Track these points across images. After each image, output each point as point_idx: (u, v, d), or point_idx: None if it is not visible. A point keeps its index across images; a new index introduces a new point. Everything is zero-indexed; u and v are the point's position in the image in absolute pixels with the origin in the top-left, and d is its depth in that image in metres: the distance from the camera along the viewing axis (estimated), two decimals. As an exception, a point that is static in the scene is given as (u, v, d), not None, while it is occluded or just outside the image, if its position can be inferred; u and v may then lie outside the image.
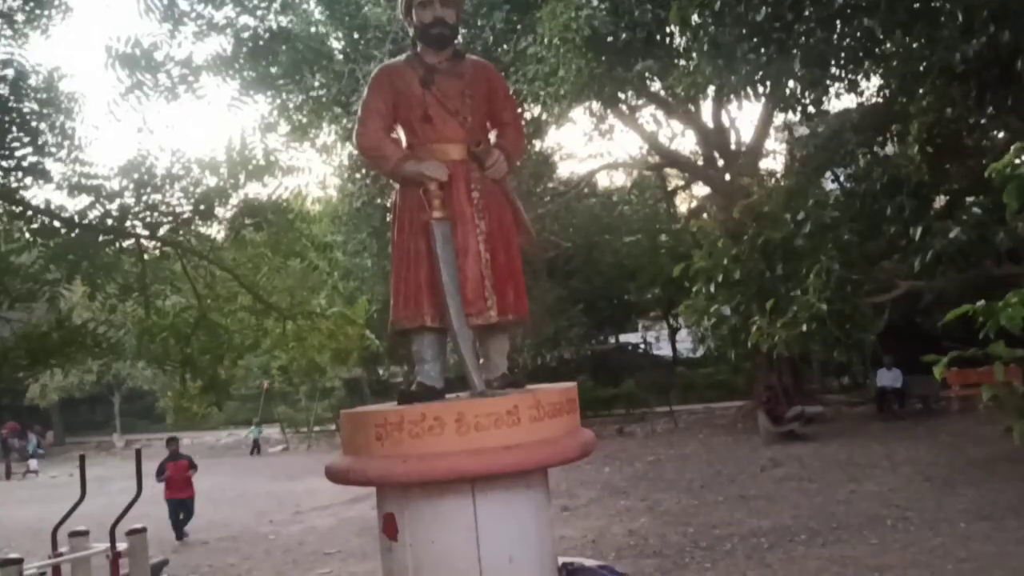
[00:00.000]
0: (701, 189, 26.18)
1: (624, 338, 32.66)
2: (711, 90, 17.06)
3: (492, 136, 4.59)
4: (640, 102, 19.72)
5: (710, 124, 21.57)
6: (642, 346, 32.46)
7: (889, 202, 8.59)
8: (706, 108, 21.30)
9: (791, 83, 8.82)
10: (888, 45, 7.99)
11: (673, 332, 33.39)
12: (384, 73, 4.53)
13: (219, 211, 7.10)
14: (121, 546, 7.36)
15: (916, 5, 7.48)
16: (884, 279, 9.19)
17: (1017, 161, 2.82)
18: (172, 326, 7.41)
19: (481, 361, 4.41)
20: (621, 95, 16.77)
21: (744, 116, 37.14)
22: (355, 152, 19.62)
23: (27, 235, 6.66)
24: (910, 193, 8.52)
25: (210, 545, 12.25)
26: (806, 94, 9.04)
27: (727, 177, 20.96)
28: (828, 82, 9.07)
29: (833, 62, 8.53)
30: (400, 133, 4.50)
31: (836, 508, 10.64)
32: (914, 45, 7.62)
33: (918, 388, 19.40)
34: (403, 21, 4.66)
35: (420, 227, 4.24)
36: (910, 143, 8.56)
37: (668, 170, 26.68)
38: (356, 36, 17.42)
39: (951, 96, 7.85)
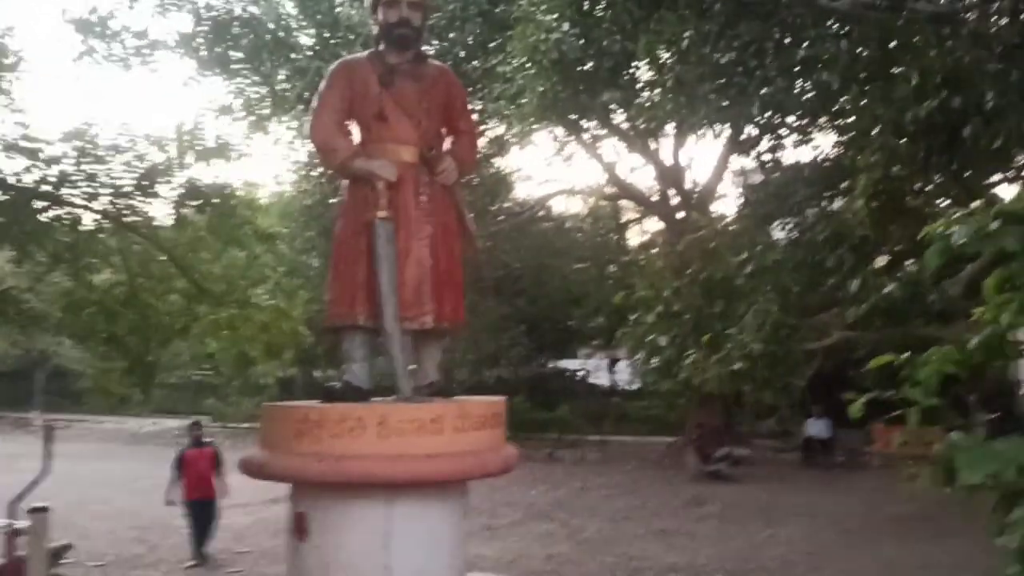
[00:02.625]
0: (654, 224, 26.45)
1: (563, 363, 32.67)
2: (671, 127, 17.35)
3: (447, 143, 4.57)
4: (602, 132, 19.90)
5: (668, 161, 21.84)
6: (580, 373, 32.51)
7: (830, 254, 8.78)
8: (665, 145, 21.59)
9: (749, 127, 8.99)
10: (844, 99, 8.19)
11: (612, 362, 33.53)
12: (343, 67, 4.49)
13: (162, 188, 6.91)
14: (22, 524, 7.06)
15: (874, 66, 7.69)
16: (818, 326, 9.38)
17: (953, 229, 2.90)
18: (100, 301, 7.17)
19: (412, 367, 4.36)
20: (584, 123, 16.90)
21: (702, 157, 37.85)
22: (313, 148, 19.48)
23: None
24: (851, 247, 8.72)
25: (117, 534, 11.86)
26: (763, 139, 9.24)
27: (680, 215, 21.23)
28: (784, 131, 9.27)
29: (791, 111, 8.72)
30: (354, 129, 4.46)
31: (752, 551, 10.73)
32: (868, 101, 7.82)
33: (845, 441, 19.75)
34: (369, 18, 4.62)
35: (363, 225, 4.19)
36: (856, 197, 8.77)
37: (623, 202, 26.94)
38: (327, 35, 17.28)
39: (899, 154, 8.09)
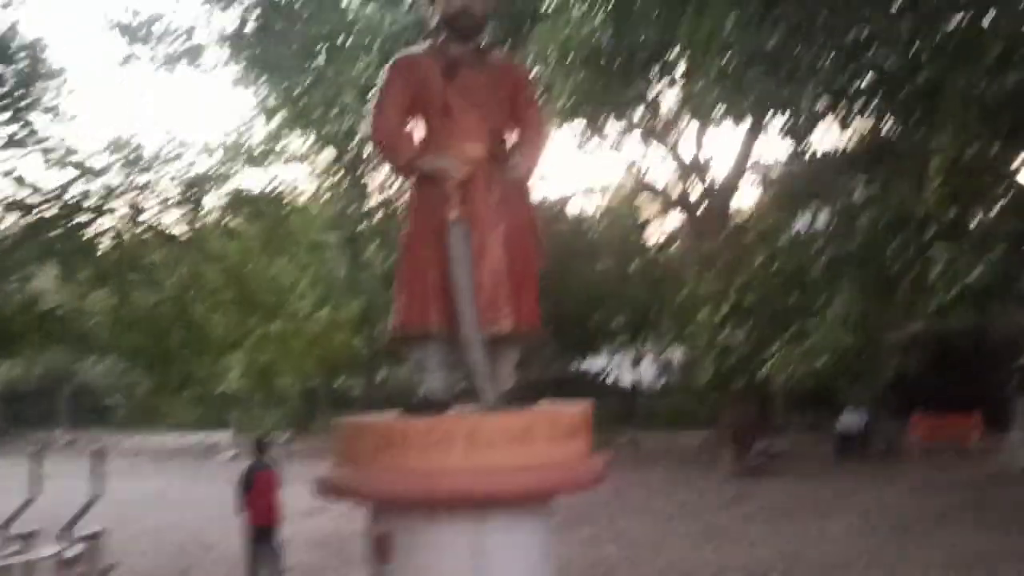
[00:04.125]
0: (675, 219, 26.21)
1: (587, 363, 32.48)
2: (688, 121, 17.05)
3: (514, 135, 4.34)
4: (623, 126, 19.60)
5: (689, 156, 21.56)
6: (606, 373, 32.30)
7: (893, 239, 8.37)
8: (686, 139, 21.31)
9: (800, 112, 8.62)
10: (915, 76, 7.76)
11: (636, 360, 33.30)
12: (404, 62, 4.25)
13: (210, 198, 6.73)
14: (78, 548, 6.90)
15: (946, 39, 7.29)
16: (897, 317, 9.02)
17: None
18: (149, 318, 6.98)
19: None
20: (606, 119, 16.60)
21: (723, 151, 37.10)
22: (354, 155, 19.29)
23: (-2, 210, 6.21)
24: (916, 230, 8.31)
25: (159, 550, 11.71)
26: (810, 124, 8.85)
27: (702, 208, 20.94)
28: (836, 112, 8.87)
29: (846, 96, 8.36)
30: (417, 126, 4.23)
31: (806, 549, 10.50)
32: (941, 75, 7.42)
33: (882, 431, 19.45)
34: (427, 9, 4.39)
35: (434, 227, 3.96)
36: (932, 176, 8.36)
37: (642, 198, 26.68)
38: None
39: (977, 131, 7.71)
